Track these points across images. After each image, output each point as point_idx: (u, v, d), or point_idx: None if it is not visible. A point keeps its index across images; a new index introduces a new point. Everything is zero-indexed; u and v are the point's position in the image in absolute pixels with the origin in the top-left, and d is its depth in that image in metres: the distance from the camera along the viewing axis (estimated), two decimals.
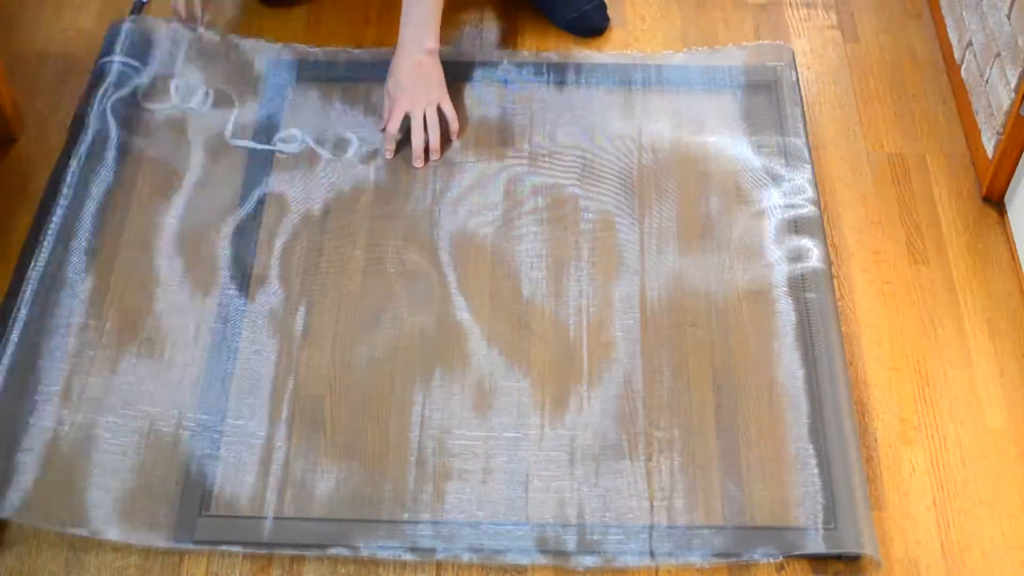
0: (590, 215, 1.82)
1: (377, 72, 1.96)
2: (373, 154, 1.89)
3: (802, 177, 1.85)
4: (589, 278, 1.74)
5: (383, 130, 1.88)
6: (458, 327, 1.69)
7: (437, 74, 1.88)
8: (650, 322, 1.69)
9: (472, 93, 1.98)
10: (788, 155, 1.88)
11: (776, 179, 1.86)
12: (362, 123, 1.93)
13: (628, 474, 1.54)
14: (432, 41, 1.87)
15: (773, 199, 1.83)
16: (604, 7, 2.11)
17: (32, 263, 1.72)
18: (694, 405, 1.61)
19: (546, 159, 1.90)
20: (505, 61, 2.03)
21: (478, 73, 2.01)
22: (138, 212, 1.82)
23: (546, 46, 2.09)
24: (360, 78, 2.00)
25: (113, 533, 1.48)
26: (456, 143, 1.91)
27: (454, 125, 1.88)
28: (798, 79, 2.00)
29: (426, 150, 1.88)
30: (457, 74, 1.99)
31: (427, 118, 1.86)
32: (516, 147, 1.91)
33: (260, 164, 1.88)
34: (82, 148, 1.86)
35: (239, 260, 1.76)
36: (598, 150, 1.91)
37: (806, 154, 1.88)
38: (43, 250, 1.74)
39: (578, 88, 2.00)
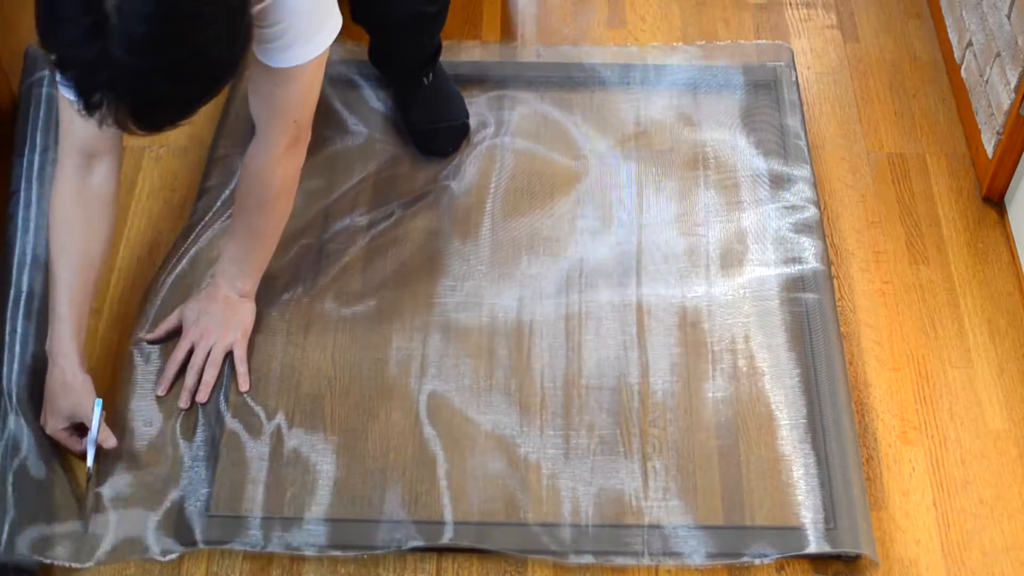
0: (588, 213, 1.82)
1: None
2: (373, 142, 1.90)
3: (802, 177, 1.84)
4: (587, 277, 1.74)
5: (149, 341, 1.67)
6: (456, 326, 1.69)
7: (244, 318, 1.65)
8: (648, 320, 1.69)
9: (471, 92, 1.98)
10: (788, 155, 1.88)
11: (776, 179, 1.85)
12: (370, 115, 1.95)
13: (625, 473, 1.54)
14: (247, 284, 1.65)
15: (773, 199, 1.83)
16: (460, 133, 1.92)
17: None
18: (692, 404, 1.61)
19: (545, 158, 1.90)
20: (505, 61, 2.03)
21: (477, 73, 2.01)
22: (137, 214, 1.83)
23: (546, 44, 2.10)
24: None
25: (108, 543, 1.48)
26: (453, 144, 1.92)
27: (242, 383, 1.62)
28: (798, 79, 2.00)
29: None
30: (455, 74, 1.99)
31: (211, 355, 1.62)
32: (517, 146, 1.92)
33: None
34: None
35: None
36: (597, 149, 1.91)
37: (806, 154, 1.88)
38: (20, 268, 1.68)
39: (577, 88, 2.00)
